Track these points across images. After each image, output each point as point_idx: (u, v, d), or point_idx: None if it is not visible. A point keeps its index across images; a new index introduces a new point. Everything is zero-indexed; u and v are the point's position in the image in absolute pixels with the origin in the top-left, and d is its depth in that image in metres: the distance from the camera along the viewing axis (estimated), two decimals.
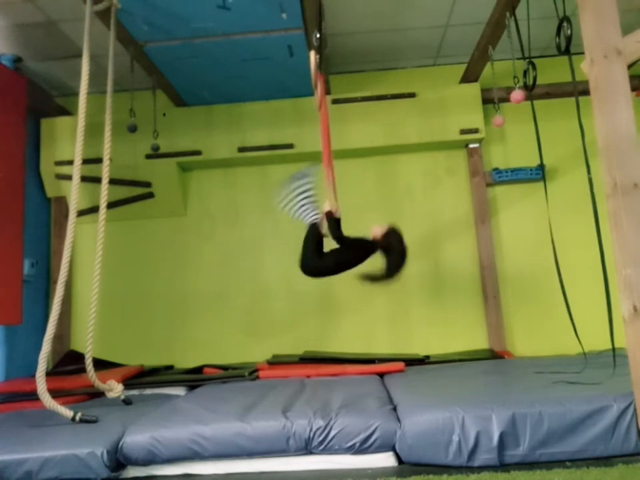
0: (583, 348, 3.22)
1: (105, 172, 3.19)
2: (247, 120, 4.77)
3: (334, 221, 3.18)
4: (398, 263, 3.09)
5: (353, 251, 3.22)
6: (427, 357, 4.37)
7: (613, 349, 2.81)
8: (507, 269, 4.72)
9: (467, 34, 4.40)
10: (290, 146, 4.70)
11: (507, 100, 4.18)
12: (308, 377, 3.84)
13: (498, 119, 4.08)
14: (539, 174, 4.55)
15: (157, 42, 3.79)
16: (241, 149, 4.73)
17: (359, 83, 4.99)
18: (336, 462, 2.40)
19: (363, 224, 3.42)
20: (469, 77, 4.71)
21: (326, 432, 2.41)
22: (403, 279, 4.33)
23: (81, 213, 3.99)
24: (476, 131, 4.68)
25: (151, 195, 4.87)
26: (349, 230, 3.31)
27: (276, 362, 4.22)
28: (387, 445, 2.40)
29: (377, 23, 4.31)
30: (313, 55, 3.30)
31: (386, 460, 2.40)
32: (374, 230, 3.20)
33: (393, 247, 3.10)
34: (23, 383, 3.86)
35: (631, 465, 2.19)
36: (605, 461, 2.25)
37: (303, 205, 3.20)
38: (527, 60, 3.53)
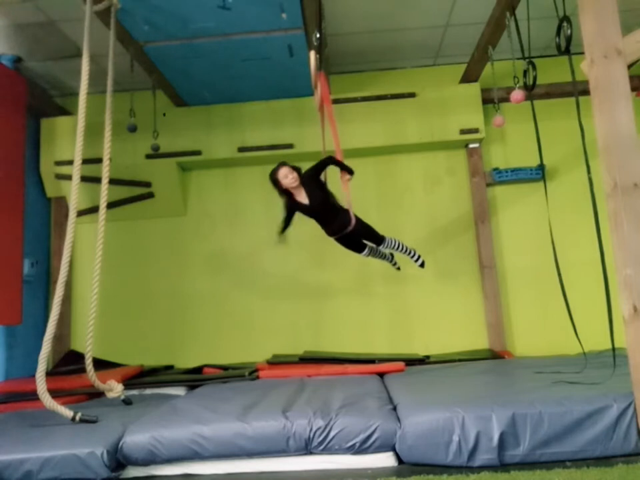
0: (582, 348, 3.22)
1: (105, 172, 3.20)
2: (247, 120, 4.77)
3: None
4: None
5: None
6: (427, 356, 4.37)
7: (613, 349, 2.80)
8: (507, 269, 4.72)
9: (467, 34, 4.40)
10: (290, 146, 4.70)
11: (507, 100, 4.18)
12: (308, 376, 3.84)
13: (498, 119, 4.08)
14: (539, 174, 4.55)
15: (157, 42, 3.80)
16: (241, 149, 4.73)
17: (359, 83, 4.99)
18: (336, 462, 2.41)
19: None
20: (469, 77, 4.71)
21: (326, 432, 2.41)
22: (403, 279, 4.36)
23: (80, 213, 3.98)
24: (476, 130, 4.68)
25: (150, 195, 4.87)
26: None
27: (276, 362, 4.22)
28: (387, 445, 2.40)
29: (376, 23, 4.30)
30: (312, 55, 3.31)
31: (386, 460, 2.40)
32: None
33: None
34: (23, 383, 3.86)
35: (630, 464, 2.19)
36: (605, 461, 2.25)
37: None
38: (527, 60, 3.53)
